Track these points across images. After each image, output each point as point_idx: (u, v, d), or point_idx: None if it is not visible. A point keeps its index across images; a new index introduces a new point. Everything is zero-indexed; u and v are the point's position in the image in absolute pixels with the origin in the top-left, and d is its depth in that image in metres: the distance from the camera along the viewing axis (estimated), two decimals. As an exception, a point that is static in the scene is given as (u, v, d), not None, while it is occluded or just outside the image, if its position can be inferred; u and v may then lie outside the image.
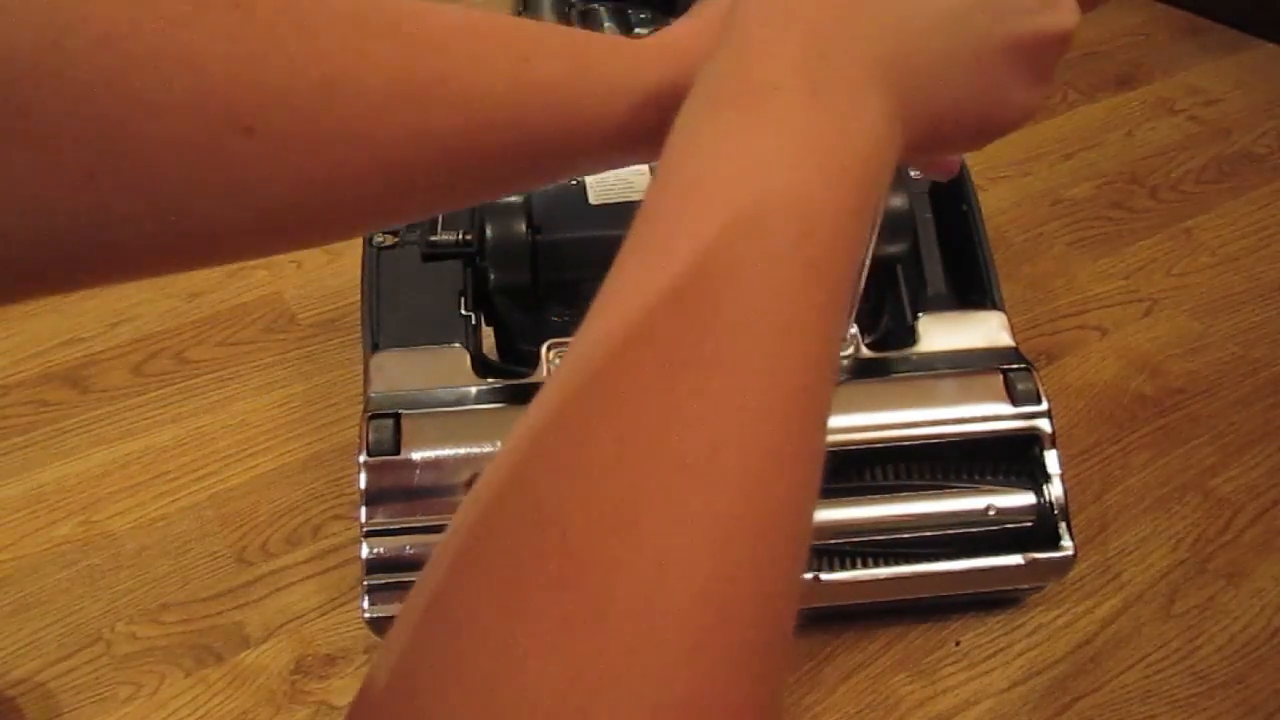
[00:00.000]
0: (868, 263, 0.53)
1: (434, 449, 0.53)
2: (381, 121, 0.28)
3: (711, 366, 0.21)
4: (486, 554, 0.20)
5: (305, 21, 0.26)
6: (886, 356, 0.60)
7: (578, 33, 0.33)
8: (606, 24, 0.84)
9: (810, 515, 0.23)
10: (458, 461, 0.52)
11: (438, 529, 0.52)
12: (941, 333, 0.60)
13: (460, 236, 0.61)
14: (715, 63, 0.26)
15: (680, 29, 0.35)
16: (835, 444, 0.55)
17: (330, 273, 0.90)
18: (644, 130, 0.33)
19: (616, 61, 0.32)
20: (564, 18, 0.84)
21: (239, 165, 0.26)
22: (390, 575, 0.52)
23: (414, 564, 0.51)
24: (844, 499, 0.56)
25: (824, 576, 0.54)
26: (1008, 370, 0.57)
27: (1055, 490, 0.56)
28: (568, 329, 0.59)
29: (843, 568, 0.55)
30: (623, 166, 0.36)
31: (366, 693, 0.20)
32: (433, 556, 0.21)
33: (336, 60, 0.27)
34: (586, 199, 0.60)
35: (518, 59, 0.30)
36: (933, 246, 0.65)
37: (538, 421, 0.22)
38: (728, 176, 0.23)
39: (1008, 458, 0.57)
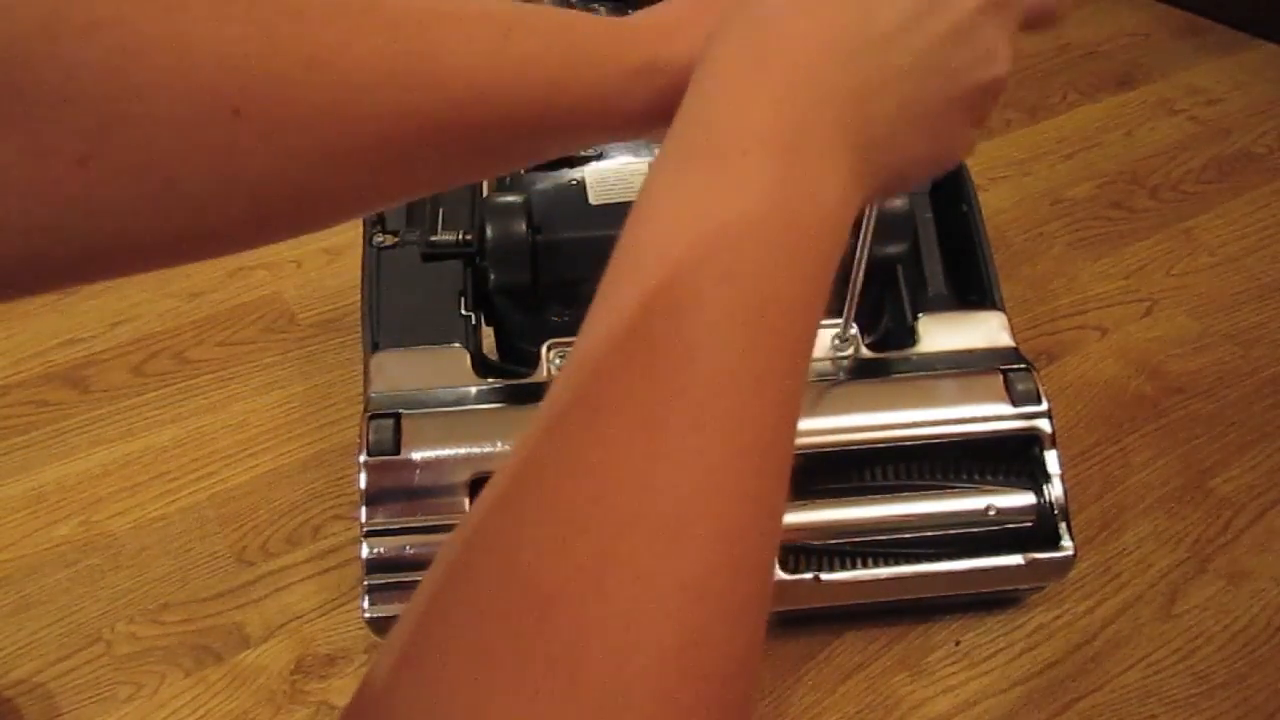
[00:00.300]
0: (863, 264, 0.53)
1: (434, 449, 0.53)
2: (368, 100, 0.28)
3: (677, 431, 0.21)
4: (461, 606, 0.20)
5: (288, 4, 0.27)
6: (886, 356, 0.59)
7: (562, 11, 0.33)
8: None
9: (773, 564, 0.23)
10: (458, 461, 0.52)
11: (438, 529, 0.52)
12: (941, 333, 0.60)
13: (460, 236, 0.61)
14: (688, 113, 0.27)
15: (670, 8, 0.35)
16: (835, 444, 0.55)
17: (330, 273, 0.90)
18: (630, 107, 0.33)
19: (602, 38, 0.33)
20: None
21: (229, 147, 0.26)
22: (390, 575, 0.52)
23: (414, 564, 0.51)
24: (844, 499, 0.56)
25: (824, 576, 0.54)
26: (1008, 370, 0.57)
27: (1055, 490, 0.56)
28: (568, 329, 0.59)
29: (843, 568, 0.55)
30: (612, 142, 0.36)
31: (357, 699, 0.21)
32: (413, 600, 0.21)
33: (319, 41, 0.27)
34: (586, 199, 0.60)
35: (500, 36, 0.31)
36: (933, 246, 0.65)
37: (515, 478, 0.23)
38: (694, 243, 0.24)
39: (1008, 458, 0.57)
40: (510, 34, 0.31)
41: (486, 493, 0.23)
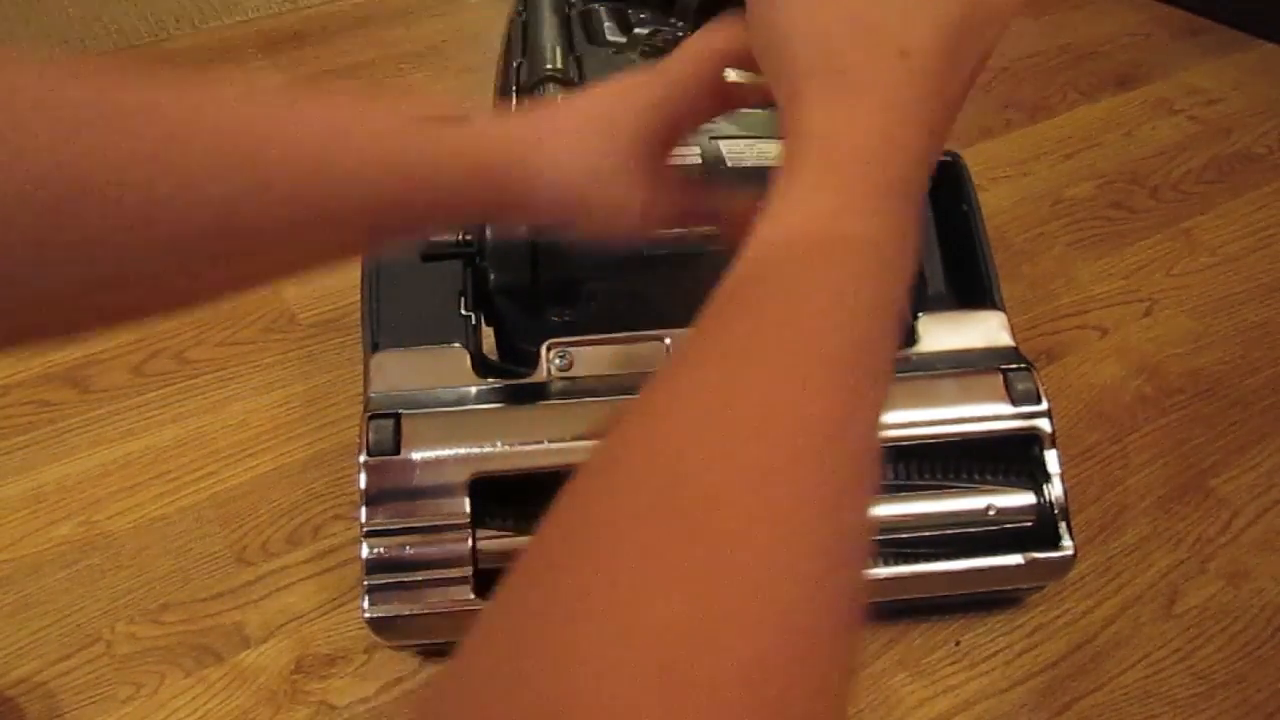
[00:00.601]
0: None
1: (434, 449, 0.53)
2: (184, 205, 0.30)
3: (827, 377, 0.25)
4: (627, 500, 0.23)
5: (65, 118, 0.29)
6: (886, 356, 0.59)
7: (400, 111, 0.36)
8: (606, 24, 0.84)
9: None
10: (458, 461, 0.52)
11: (438, 529, 0.52)
12: (941, 333, 0.60)
13: (460, 236, 0.61)
14: (807, 160, 0.31)
15: (501, 124, 0.39)
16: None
17: (330, 273, 0.90)
18: (464, 206, 0.38)
19: (435, 144, 0.36)
20: (564, 17, 0.84)
21: (37, 261, 0.28)
22: (390, 575, 0.52)
23: (414, 564, 0.51)
24: (844, 499, 0.55)
25: (824, 576, 0.54)
26: (1008, 370, 0.57)
27: (1055, 490, 0.56)
28: (568, 329, 0.59)
29: (843, 568, 0.55)
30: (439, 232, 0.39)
31: (494, 613, 0.22)
32: (563, 500, 0.24)
33: (124, 159, 0.29)
34: (586, 199, 0.60)
35: (335, 141, 0.34)
36: (933, 246, 0.65)
37: (677, 395, 0.25)
38: (820, 247, 0.29)
39: (1008, 458, 0.57)
40: (346, 142, 0.34)
41: (648, 401, 0.26)
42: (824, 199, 0.29)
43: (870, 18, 0.31)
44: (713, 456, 0.23)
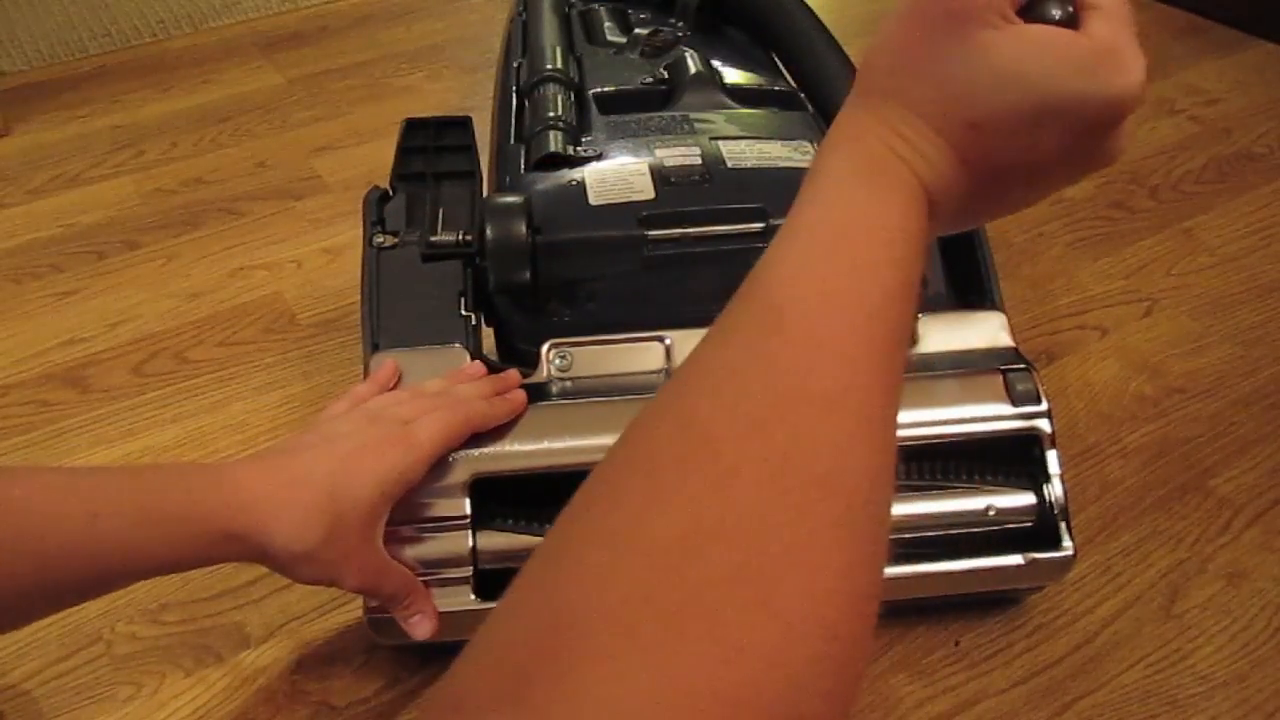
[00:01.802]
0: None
1: (434, 449, 0.53)
2: None
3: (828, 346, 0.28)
4: (642, 445, 0.27)
5: None
6: (886, 356, 0.59)
7: (151, 483, 0.43)
8: (606, 24, 0.84)
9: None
10: (458, 461, 0.52)
11: (438, 529, 0.52)
12: (941, 333, 0.60)
13: (460, 236, 0.61)
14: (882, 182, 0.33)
15: (247, 470, 0.45)
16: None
17: (330, 273, 0.90)
18: (205, 559, 0.45)
19: (182, 507, 0.43)
20: (563, 17, 0.84)
21: None
22: (390, 575, 0.52)
23: (413, 564, 0.51)
24: (844, 499, 0.55)
25: (824, 576, 0.54)
26: (1007, 370, 0.57)
27: (1055, 490, 0.56)
28: (568, 329, 0.59)
29: (843, 568, 0.55)
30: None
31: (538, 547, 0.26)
32: (610, 454, 0.28)
33: None
34: (586, 199, 0.60)
35: (88, 518, 0.40)
36: (933, 246, 0.65)
37: (700, 367, 0.29)
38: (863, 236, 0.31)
39: (1008, 458, 0.57)
40: (98, 516, 0.40)
41: (683, 377, 0.29)
42: (857, 192, 0.32)
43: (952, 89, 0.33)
44: (721, 409, 0.26)
